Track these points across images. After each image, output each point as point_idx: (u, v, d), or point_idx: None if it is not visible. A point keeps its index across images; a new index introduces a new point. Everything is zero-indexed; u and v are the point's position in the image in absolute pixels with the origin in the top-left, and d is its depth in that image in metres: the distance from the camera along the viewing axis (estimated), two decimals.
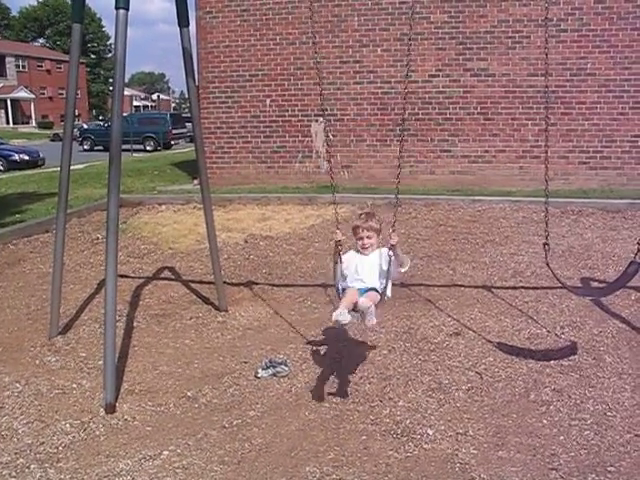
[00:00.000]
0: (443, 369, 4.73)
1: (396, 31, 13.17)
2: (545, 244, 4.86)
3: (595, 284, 6.72)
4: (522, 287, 6.67)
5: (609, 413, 4.02)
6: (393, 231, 4.33)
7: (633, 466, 3.46)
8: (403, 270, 4.57)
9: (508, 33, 12.77)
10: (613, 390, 4.33)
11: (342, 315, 3.83)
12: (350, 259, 4.39)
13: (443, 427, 3.90)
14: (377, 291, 4.23)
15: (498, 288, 6.63)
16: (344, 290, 4.26)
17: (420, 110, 13.20)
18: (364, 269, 4.30)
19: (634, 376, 4.55)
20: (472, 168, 13.35)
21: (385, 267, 4.26)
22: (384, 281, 4.29)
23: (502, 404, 4.20)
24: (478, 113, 13.18)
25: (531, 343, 5.20)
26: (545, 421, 3.96)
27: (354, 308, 4.02)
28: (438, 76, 13.19)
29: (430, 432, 3.84)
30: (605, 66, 12.47)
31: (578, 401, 4.19)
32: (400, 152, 4.81)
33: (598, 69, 12.51)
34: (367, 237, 4.36)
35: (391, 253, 4.24)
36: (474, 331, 5.46)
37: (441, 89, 13.21)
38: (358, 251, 4.41)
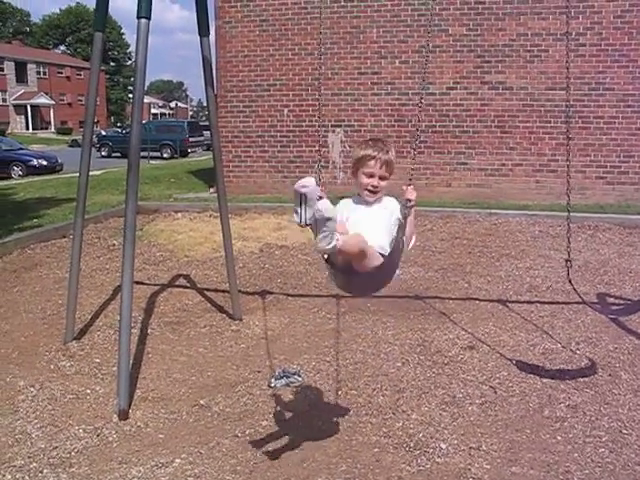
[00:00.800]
0: (457, 383, 4.70)
1: (414, 43, 13.19)
2: (567, 260, 4.81)
3: (611, 300, 6.67)
4: (537, 302, 6.63)
5: (624, 431, 3.98)
6: (409, 185, 3.15)
7: None
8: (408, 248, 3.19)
9: (526, 47, 12.75)
10: (629, 407, 4.29)
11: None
12: (342, 210, 3.17)
13: (456, 441, 3.88)
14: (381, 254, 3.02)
15: (513, 302, 6.59)
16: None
17: (437, 122, 13.19)
18: (363, 224, 3.06)
19: None
20: (489, 181, 13.31)
21: (394, 230, 3.10)
22: (391, 242, 3.07)
23: (516, 419, 4.17)
24: (495, 126, 13.15)
25: (546, 358, 5.16)
26: (559, 437, 3.93)
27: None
28: (456, 88, 13.18)
29: (443, 446, 3.82)
30: (624, 81, 12.42)
31: (593, 418, 4.15)
32: (414, 163, 3.63)
33: (617, 84, 12.46)
34: (380, 177, 3.16)
35: (406, 211, 3.09)
36: (489, 345, 5.43)
37: (459, 102, 13.21)
38: (358, 200, 3.24)
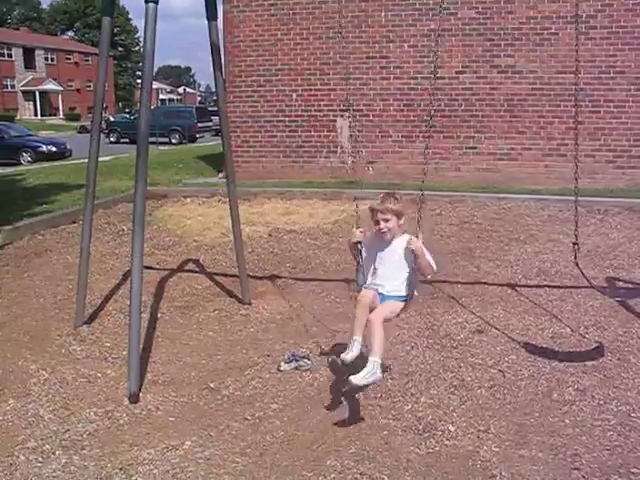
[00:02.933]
0: (466, 366, 4.72)
1: (423, 27, 13.10)
2: (574, 244, 4.81)
3: (620, 284, 6.66)
4: (546, 286, 6.62)
5: (633, 414, 3.99)
6: (412, 238, 3.93)
7: None
8: (426, 276, 4.13)
9: (536, 30, 12.64)
10: (637, 391, 4.30)
11: (348, 354, 3.87)
12: (369, 246, 4.10)
13: (465, 424, 3.90)
14: (398, 299, 3.95)
15: (522, 286, 6.59)
16: (359, 290, 4.04)
17: (446, 107, 13.12)
18: (383, 262, 4.00)
19: None
20: (498, 165, 13.25)
21: (409, 260, 3.91)
22: (408, 278, 3.95)
23: (524, 402, 4.18)
24: (505, 110, 13.08)
25: (554, 342, 5.17)
26: (567, 421, 3.94)
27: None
28: (465, 72, 13.10)
29: (452, 429, 3.83)
30: (635, 64, 12.30)
31: (601, 401, 4.16)
32: (426, 148, 4.39)
33: (628, 67, 12.35)
34: (383, 220, 3.96)
35: (412, 246, 3.87)
36: (497, 329, 5.44)
37: (468, 86, 13.13)
38: (377, 238, 4.06)
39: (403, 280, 3.99)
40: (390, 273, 4.00)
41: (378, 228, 3.99)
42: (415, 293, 4.07)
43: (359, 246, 4.11)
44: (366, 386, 3.84)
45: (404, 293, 4.00)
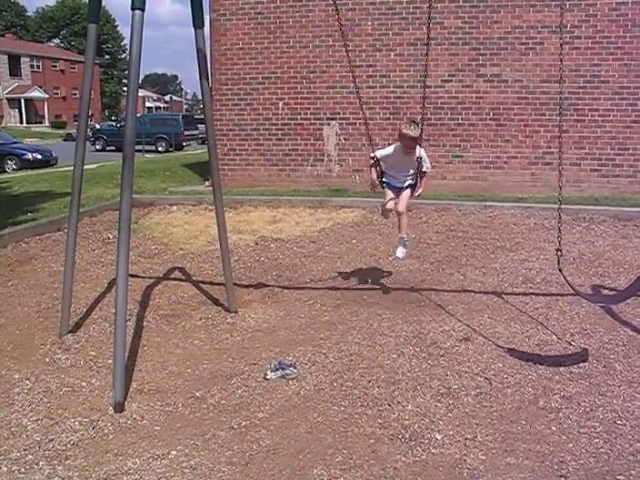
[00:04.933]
0: (452, 374, 4.72)
1: (409, 36, 13.17)
2: (558, 250, 4.84)
3: (606, 292, 6.69)
4: (532, 293, 6.64)
5: (619, 421, 4.00)
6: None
7: None
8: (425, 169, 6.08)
9: (522, 39, 12.74)
10: (623, 398, 4.31)
11: (388, 204, 6.17)
12: (390, 157, 6.08)
13: (452, 432, 3.89)
14: (411, 187, 6.10)
15: (508, 294, 6.61)
16: (385, 186, 6.17)
17: (432, 115, 13.18)
18: (404, 169, 6.05)
19: None
20: (484, 174, 13.32)
21: (416, 163, 5.97)
22: (415, 173, 6.05)
23: (511, 410, 4.18)
24: (490, 119, 13.16)
25: (541, 349, 5.18)
26: (554, 428, 3.94)
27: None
28: (451, 81, 13.18)
29: (438, 437, 3.83)
30: (619, 73, 12.43)
31: (588, 409, 4.17)
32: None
33: (612, 76, 12.47)
34: (411, 140, 5.84)
35: (422, 152, 5.95)
36: (484, 337, 5.45)
37: (454, 94, 13.20)
38: (398, 151, 6.00)
39: (413, 175, 6.07)
40: (406, 172, 6.08)
41: (408, 147, 5.90)
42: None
43: (378, 164, 6.18)
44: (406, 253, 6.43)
45: (413, 182, 6.11)
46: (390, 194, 6.13)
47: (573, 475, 3.43)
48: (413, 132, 5.82)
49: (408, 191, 6.11)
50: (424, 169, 6.05)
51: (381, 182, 6.17)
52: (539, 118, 12.88)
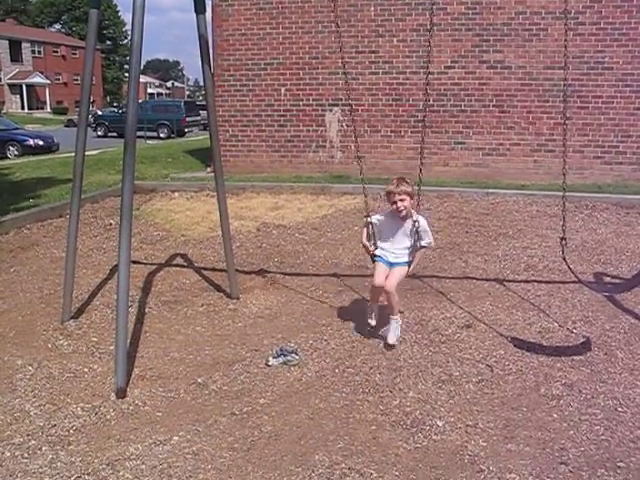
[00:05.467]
0: (454, 361, 4.72)
1: (412, 22, 13.08)
2: (562, 239, 4.82)
3: (608, 279, 6.69)
4: (534, 281, 6.64)
5: (620, 409, 4.01)
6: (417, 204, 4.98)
7: None
8: (425, 243, 5.04)
9: (525, 25, 12.65)
10: (624, 386, 4.32)
11: (374, 319, 5.20)
12: (383, 223, 5.05)
13: (453, 419, 3.90)
14: (404, 264, 4.98)
15: (510, 281, 6.61)
16: (377, 259, 5.04)
17: (435, 102, 13.12)
18: (398, 237, 5.00)
19: None
20: (486, 161, 13.28)
21: (414, 234, 4.91)
22: (411, 247, 4.96)
23: (512, 397, 4.19)
24: (493, 105, 13.09)
25: (542, 337, 5.18)
26: (555, 415, 3.95)
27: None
28: (454, 68, 13.10)
29: (440, 424, 3.84)
30: (623, 60, 12.34)
31: (589, 396, 4.18)
32: (417, 142, 5.39)
33: (616, 63, 12.38)
34: (400, 200, 4.84)
35: (422, 220, 4.94)
36: (485, 324, 5.45)
37: (456, 81, 13.13)
38: (392, 216, 4.97)
39: (409, 248, 4.98)
40: (400, 244, 5.00)
41: (396, 207, 4.87)
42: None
43: (370, 227, 5.04)
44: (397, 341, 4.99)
45: (408, 259, 4.98)
46: (382, 268, 5.00)
47: (574, 462, 3.44)
48: (394, 186, 4.88)
49: (403, 268, 4.98)
50: (424, 243, 5.01)
51: (372, 256, 5.12)
52: (542, 105, 12.81)
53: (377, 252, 5.06)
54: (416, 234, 4.91)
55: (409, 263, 4.98)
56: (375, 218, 5.07)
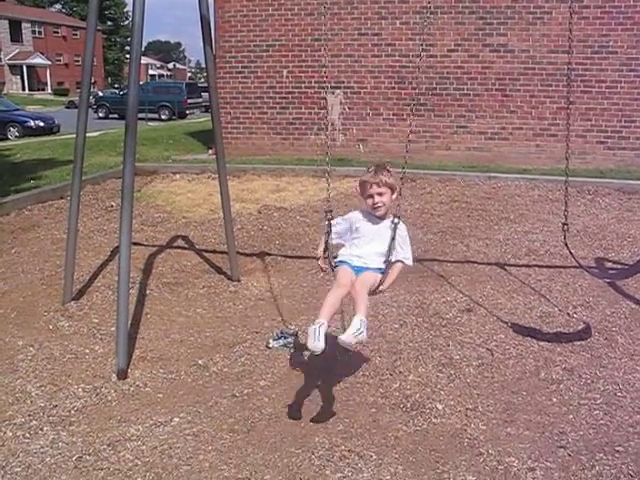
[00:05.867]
0: (454, 345, 4.73)
1: (415, 4, 12.97)
2: (564, 224, 4.81)
3: (609, 264, 6.69)
4: (536, 265, 6.64)
5: (619, 393, 4.02)
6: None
7: None
8: (401, 258, 3.83)
9: (529, 8, 12.55)
10: (624, 371, 4.33)
11: (316, 343, 3.27)
12: (351, 221, 3.84)
13: (453, 402, 3.91)
14: (376, 270, 3.69)
15: (511, 266, 6.61)
16: (336, 267, 3.77)
17: (437, 85, 13.07)
18: (368, 239, 3.74)
19: None
20: (488, 145, 13.23)
21: (391, 240, 3.70)
22: (387, 253, 3.70)
23: (512, 381, 4.20)
24: (496, 89, 13.02)
25: (543, 321, 5.19)
26: (555, 399, 3.96)
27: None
28: (457, 51, 13.02)
29: (440, 407, 3.85)
30: (627, 44, 12.25)
31: (589, 381, 4.19)
32: (411, 126, 4.63)
33: (620, 47, 12.30)
34: (378, 194, 3.71)
35: (402, 226, 3.75)
36: (486, 308, 5.45)
37: (459, 64, 13.05)
38: (367, 213, 3.81)
39: (382, 256, 3.72)
40: (370, 249, 3.74)
41: (372, 203, 3.72)
42: (409, 262, 3.89)
43: (329, 235, 3.89)
44: (351, 346, 3.42)
45: (382, 266, 3.72)
46: (347, 271, 3.71)
47: (572, 446, 3.45)
48: (371, 175, 3.74)
49: (375, 274, 3.71)
50: (400, 257, 3.80)
51: (331, 263, 3.91)
52: (545, 89, 12.74)
53: (338, 257, 3.86)
54: (392, 241, 3.72)
55: (382, 271, 3.72)
56: (337, 220, 3.93)
